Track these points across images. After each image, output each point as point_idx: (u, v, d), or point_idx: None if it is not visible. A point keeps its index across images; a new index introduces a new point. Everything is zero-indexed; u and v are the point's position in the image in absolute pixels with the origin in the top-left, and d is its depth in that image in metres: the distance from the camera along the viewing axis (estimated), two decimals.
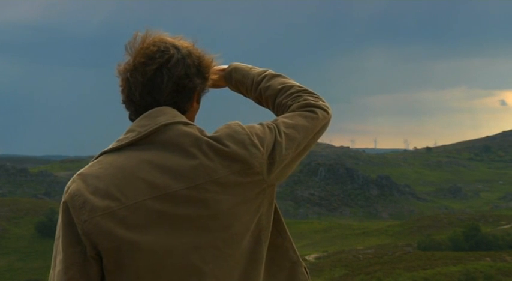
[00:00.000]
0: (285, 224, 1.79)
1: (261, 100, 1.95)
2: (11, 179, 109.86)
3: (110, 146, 1.63)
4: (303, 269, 1.81)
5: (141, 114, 1.65)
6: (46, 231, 64.14)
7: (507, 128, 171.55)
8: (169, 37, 1.71)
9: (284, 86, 1.89)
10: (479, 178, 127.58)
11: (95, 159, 1.63)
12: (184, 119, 1.64)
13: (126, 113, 1.73)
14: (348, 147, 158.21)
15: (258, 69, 1.98)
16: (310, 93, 1.86)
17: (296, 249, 1.81)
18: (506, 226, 63.10)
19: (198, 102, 1.77)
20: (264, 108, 1.98)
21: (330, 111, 1.84)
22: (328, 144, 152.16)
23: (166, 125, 1.60)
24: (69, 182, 1.59)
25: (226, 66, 2.04)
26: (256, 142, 1.64)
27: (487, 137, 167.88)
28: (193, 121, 1.76)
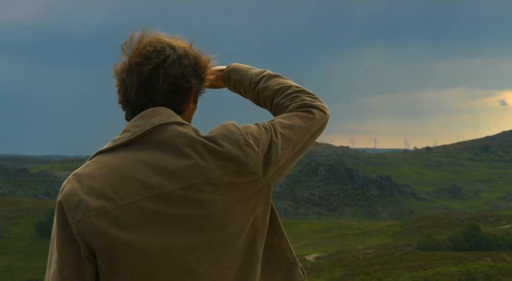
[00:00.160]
0: (281, 224, 1.79)
1: (259, 101, 1.95)
2: (11, 179, 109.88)
3: (105, 146, 1.62)
4: (300, 269, 1.81)
5: (137, 115, 1.65)
6: (46, 231, 64.08)
7: (507, 128, 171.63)
8: (166, 37, 1.71)
9: (282, 87, 1.89)
10: (479, 178, 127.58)
11: (91, 159, 1.63)
12: (179, 119, 1.64)
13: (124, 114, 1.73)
14: (348, 147, 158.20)
15: (256, 70, 1.98)
16: (307, 93, 1.86)
17: (293, 250, 1.81)
18: (506, 226, 63.10)
19: (195, 103, 1.77)
20: (262, 108, 1.98)
21: (327, 112, 1.84)
22: (328, 144, 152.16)
23: (161, 125, 1.60)
24: (64, 182, 1.59)
25: (224, 67, 2.04)
26: (251, 142, 1.63)
27: (487, 137, 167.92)
28: (190, 121, 1.76)
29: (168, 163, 1.56)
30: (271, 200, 1.72)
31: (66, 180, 1.60)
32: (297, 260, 1.81)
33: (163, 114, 1.62)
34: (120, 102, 1.71)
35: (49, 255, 1.59)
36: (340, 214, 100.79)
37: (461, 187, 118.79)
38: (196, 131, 1.62)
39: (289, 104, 1.83)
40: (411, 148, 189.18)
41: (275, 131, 1.70)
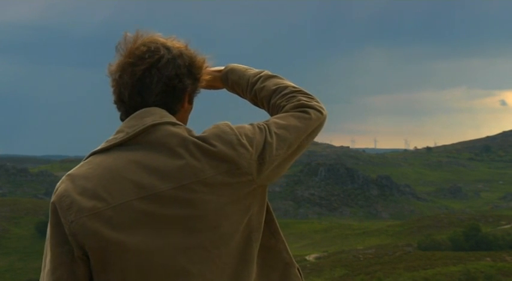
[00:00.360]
0: (278, 225, 1.78)
1: (256, 101, 1.95)
2: (11, 179, 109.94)
3: (99, 147, 1.63)
4: (296, 270, 1.80)
5: (131, 115, 1.65)
6: (46, 231, 64.05)
7: (507, 128, 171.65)
8: (161, 38, 1.71)
9: (278, 87, 1.88)
10: (479, 178, 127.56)
11: (85, 159, 1.63)
12: (172, 119, 1.64)
13: None
14: (348, 147, 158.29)
15: (254, 71, 1.97)
16: (304, 93, 1.85)
17: (289, 250, 1.80)
18: (506, 226, 63.09)
19: (190, 103, 1.76)
20: (260, 109, 1.98)
21: (324, 112, 1.82)
22: (328, 144, 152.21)
23: (153, 126, 1.59)
24: (58, 183, 1.60)
25: (222, 68, 2.04)
26: (245, 142, 1.63)
27: (487, 137, 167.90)
28: (186, 122, 1.76)
29: (161, 163, 1.56)
30: (266, 201, 1.71)
31: (60, 181, 1.60)
32: (294, 260, 1.81)
33: (157, 115, 1.62)
34: (115, 102, 1.71)
35: (44, 255, 1.59)
36: (341, 214, 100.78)
37: (461, 187, 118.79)
38: (189, 131, 1.62)
39: (286, 104, 1.82)
40: (411, 148, 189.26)
41: (270, 131, 1.69)
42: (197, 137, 1.60)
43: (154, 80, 1.64)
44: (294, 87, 1.88)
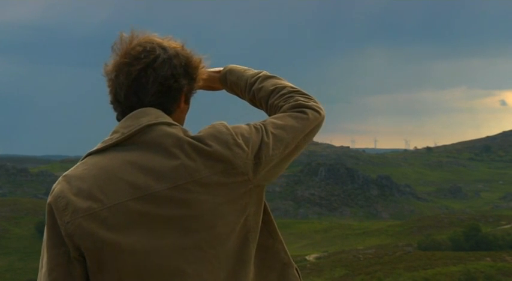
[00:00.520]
0: (276, 225, 1.78)
1: (255, 102, 1.94)
2: (11, 179, 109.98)
3: (96, 148, 1.63)
4: (295, 270, 1.79)
5: (127, 115, 1.65)
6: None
7: (507, 128, 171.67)
8: (157, 38, 1.71)
9: (276, 87, 1.88)
10: (479, 178, 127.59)
11: (81, 160, 1.63)
12: (168, 119, 1.63)
13: None
14: (348, 147, 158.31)
15: (252, 71, 1.97)
16: (302, 94, 1.85)
17: (287, 250, 1.80)
18: (506, 226, 63.10)
19: (187, 103, 1.76)
20: (259, 109, 1.98)
21: (322, 112, 1.82)
22: (328, 144, 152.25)
23: (149, 126, 1.59)
24: (54, 184, 1.60)
25: (221, 69, 2.04)
26: (241, 142, 1.62)
27: (487, 137, 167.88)
28: (182, 122, 1.76)
29: (156, 164, 1.55)
30: (264, 201, 1.71)
31: (56, 181, 1.60)
32: (292, 260, 1.80)
33: (152, 115, 1.62)
34: (111, 102, 1.71)
35: (41, 256, 1.59)
36: (341, 214, 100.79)
37: (461, 187, 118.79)
38: (185, 132, 1.62)
39: (284, 105, 1.82)
40: (411, 147, 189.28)
41: (266, 131, 1.69)
42: (192, 137, 1.60)
43: (150, 80, 1.64)
44: (292, 87, 1.87)
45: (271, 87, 1.88)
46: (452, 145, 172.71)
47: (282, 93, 1.85)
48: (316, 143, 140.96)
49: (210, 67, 1.99)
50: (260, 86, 1.90)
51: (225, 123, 1.68)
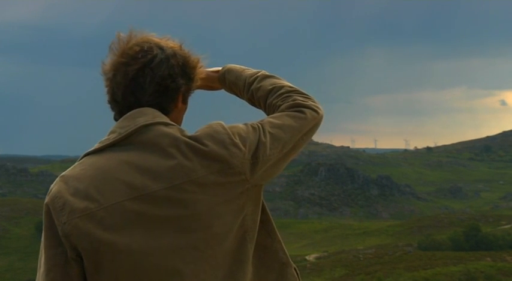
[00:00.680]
0: (274, 225, 1.78)
1: (253, 101, 1.94)
2: (12, 179, 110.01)
3: (93, 148, 1.63)
4: (293, 270, 1.79)
5: (124, 115, 1.65)
6: None
7: (507, 128, 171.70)
8: (155, 37, 1.71)
9: (274, 87, 1.87)
10: (479, 178, 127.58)
11: (79, 160, 1.63)
12: (165, 119, 1.63)
13: None
14: (348, 147, 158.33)
15: (251, 71, 1.97)
16: (300, 93, 1.84)
17: (286, 250, 1.79)
18: (506, 226, 63.10)
19: (185, 103, 1.76)
20: (258, 109, 1.98)
21: (320, 111, 1.81)
22: (328, 144, 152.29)
23: (146, 126, 1.59)
24: (52, 184, 1.60)
25: (220, 68, 2.04)
26: (237, 141, 1.62)
27: (488, 137, 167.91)
28: (180, 121, 1.76)
29: (153, 164, 1.55)
30: (262, 200, 1.70)
31: (54, 182, 1.60)
32: (290, 260, 1.80)
33: (149, 115, 1.61)
34: (109, 102, 1.70)
35: (39, 257, 1.59)
36: (341, 214, 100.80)
37: (461, 187, 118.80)
38: (181, 131, 1.61)
39: (282, 104, 1.81)
40: (411, 147, 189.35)
41: (264, 130, 1.69)
42: (189, 137, 1.59)
43: (147, 80, 1.63)
44: (290, 87, 1.87)
45: (270, 87, 1.88)
46: (452, 144, 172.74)
47: (280, 93, 1.85)
48: (316, 143, 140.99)
49: (209, 67, 1.99)
50: (258, 85, 1.90)
51: (222, 123, 1.67)
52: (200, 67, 1.77)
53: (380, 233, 71.67)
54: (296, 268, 1.81)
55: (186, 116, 1.81)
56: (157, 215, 1.53)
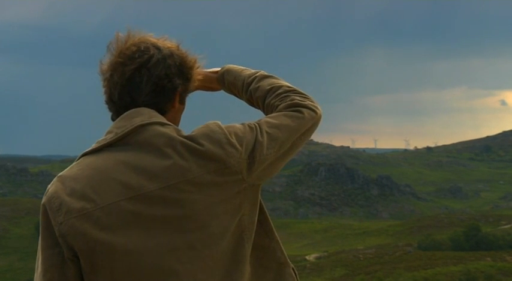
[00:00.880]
0: (272, 224, 1.78)
1: (252, 101, 1.94)
2: (12, 179, 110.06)
3: (90, 148, 1.63)
4: (291, 270, 1.79)
5: (121, 115, 1.65)
6: None
7: (507, 128, 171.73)
8: (152, 38, 1.71)
9: (273, 87, 1.87)
10: (479, 178, 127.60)
11: (76, 161, 1.64)
12: (161, 119, 1.63)
13: None
14: (349, 147, 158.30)
15: (249, 71, 1.97)
16: (298, 93, 1.84)
17: (284, 250, 1.79)
18: (506, 226, 63.12)
19: (182, 103, 1.76)
20: (257, 109, 1.98)
21: (318, 111, 1.81)
22: (328, 144, 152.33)
23: (142, 126, 1.59)
24: (49, 185, 1.61)
25: (219, 69, 2.04)
26: (234, 141, 1.62)
27: (488, 137, 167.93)
28: (178, 121, 1.76)
29: (148, 164, 1.56)
30: (259, 200, 1.70)
31: (51, 182, 1.61)
32: (288, 260, 1.80)
33: (145, 115, 1.62)
34: (106, 102, 1.71)
35: (37, 257, 1.60)
36: (341, 214, 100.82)
37: (461, 186, 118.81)
38: (178, 131, 1.61)
39: (280, 104, 1.81)
40: (411, 147, 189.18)
41: (261, 130, 1.69)
42: (185, 137, 1.60)
43: (144, 79, 1.64)
44: (288, 86, 1.87)
45: (268, 87, 1.88)
46: (453, 144, 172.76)
47: (278, 93, 1.85)
48: (316, 143, 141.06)
49: (208, 67, 1.99)
50: (257, 85, 1.90)
51: (219, 122, 1.67)
52: (197, 67, 1.77)
53: (380, 233, 71.70)
54: (294, 268, 1.81)
55: (186, 117, 1.81)
56: (154, 215, 1.53)
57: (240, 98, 2.00)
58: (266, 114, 1.87)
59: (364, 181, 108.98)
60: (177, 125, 1.75)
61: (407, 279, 40.27)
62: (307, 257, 54.42)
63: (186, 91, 1.75)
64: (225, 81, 2.00)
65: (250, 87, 1.92)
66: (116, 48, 1.68)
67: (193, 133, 1.62)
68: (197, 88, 1.96)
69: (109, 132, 1.63)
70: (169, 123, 1.64)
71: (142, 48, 1.66)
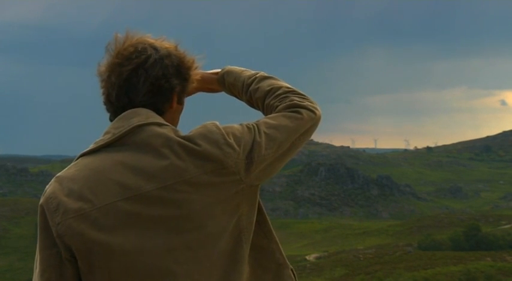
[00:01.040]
0: (271, 225, 1.77)
1: (252, 102, 1.94)
2: (12, 179, 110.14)
3: (88, 149, 1.63)
4: (290, 271, 1.79)
5: (119, 116, 1.65)
6: None
7: (507, 128, 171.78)
8: (150, 38, 1.71)
9: (272, 88, 1.87)
10: (479, 178, 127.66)
11: (75, 161, 1.64)
12: (159, 119, 1.63)
13: None
14: (349, 147, 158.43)
15: (250, 72, 1.97)
16: (298, 94, 1.84)
17: (283, 251, 1.79)
18: (506, 226, 63.16)
19: (180, 103, 1.76)
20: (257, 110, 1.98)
21: (317, 112, 1.81)
22: (328, 144, 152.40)
23: (139, 126, 1.59)
24: (47, 185, 1.61)
25: (220, 70, 2.04)
26: (231, 141, 1.61)
27: (488, 137, 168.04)
28: (176, 122, 1.76)
29: (146, 164, 1.55)
30: (258, 201, 1.70)
31: (49, 183, 1.61)
32: (287, 261, 1.79)
33: (143, 115, 1.62)
34: (105, 103, 1.71)
35: (35, 257, 1.60)
36: (341, 214, 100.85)
37: (461, 186, 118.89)
38: (175, 131, 1.61)
39: (279, 105, 1.81)
40: (412, 147, 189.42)
41: (259, 130, 1.68)
42: (182, 137, 1.59)
43: (141, 80, 1.64)
44: (287, 87, 1.87)
45: (267, 88, 1.88)
46: (453, 144, 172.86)
47: (277, 94, 1.85)
48: (316, 143, 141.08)
49: (207, 67, 1.99)
50: (257, 86, 1.90)
51: (217, 123, 1.67)
52: (196, 68, 1.77)
53: (380, 233, 71.74)
54: (293, 269, 1.81)
55: (185, 117, 1.81)
56: (151, 215, 1.53)
57: (240, 99, 2.00)
58: (265, 115, 1.87)
59: (364, 181, 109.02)
60: (176, 125, 1.75)
61: (407, 279, 40.27)
62: (307, 257, 54.45)
63: (184, 91, 1.75)
64: (225, 83, 2.00)
65: (250, 88, 1.92)
66: (114, 49, 1.68)
67: (191, 133, 1.62)
68: (198, 89, 1.98)
69: (107, 132, 1.63)
70: (166, 123, 1.64)
71: (139, 49, 1.65)
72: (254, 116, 1.86)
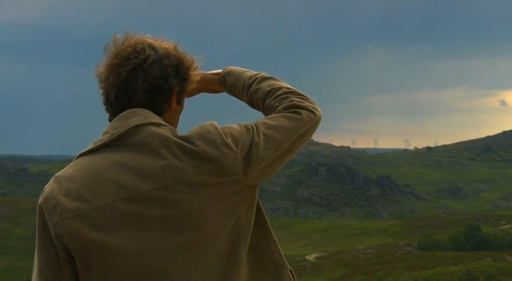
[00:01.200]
0: (269, 226, 1.77)
1: (252, 103, 1.94)
2: (12, 179, 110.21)
3: (86, 149, 1.64)
4: (289, 272, 1.78)
5: (117, 116, 1.66)
6: None
7: (507, 128, 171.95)
8: (149, 39, 1.71)
9: (272, 88, 1.87)
10: (479, 178, 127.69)
11: (73, 161, 1.64)
12: (157, 119, 1.63)
13: None
14: (349, 147, 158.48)
15: (250, 73, 1.97)
16: (298, 94, 1.84)
17: (281, 252, 1.79)
18: (506, 226, 63.18)
19: (180, 104, 1.75)
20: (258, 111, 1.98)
21: (317, 113, 1.80)
22: (328, 144, 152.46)
23: (137, 126, 1.59)
24: (46, 185, 1.62)
25: (221, 70, 2.04)
26: (229, 141, 1.61)
27: (488, 137, 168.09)
28: (175, 122, 1.76)
29: (143, 164, 1.56)
30: (256, 201, 1.70)
31: (48, 183, 1.62)
32: (286, 262, 1.79)
33: (141, 116, 1.62)
34: (104, 104, 1.71)
35: (34, 257, 1.61)
36: (341, 214, 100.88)
37: (461, 186, 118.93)
38: (173, 132, 1.61)
39: (279, 105, 1.81)
40: (412, 147, 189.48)
41: (257, 131, 1.68)
42: (180, 137, 1.59)
43: (139, 80, 1.64)
44: (288, 88, 1.87)
45: (268, 89, 1.88)
46: (453, 144, 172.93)
47: (277, 94, 1.85)
48: (316, 143, 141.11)
49: (207, 67, 1.99)
50: (257, 87, 1.90)
51: (215, 123, 1.67)
52: (195, 68, 1.77)
53: (380, 233, 71.77)
54: (291, 270, 1.80)
55: (187, 118, 1.81)
56: (148, 215, 1.53)
57: (241, 100, 2.00)
58: (266, 115, 1.87)
59: (364, 181, 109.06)
60: (176, 126, 1.75)
61: (407, 279, 40.28)
62: (307, 257, 54.48)
63: (183, 92, 1.74)
64: (226, 83, 2.00)
65: (251, 89, 1.92)
66: (112, 50, 1.68)
67: (188, 134, 1.61)
68: (200, 90, 1.98)
69: (105, 133, 1.64)
70: (164, 123, 1.64)
71: (138, 49, 1.65)
72: (254, 116, 1.86)
